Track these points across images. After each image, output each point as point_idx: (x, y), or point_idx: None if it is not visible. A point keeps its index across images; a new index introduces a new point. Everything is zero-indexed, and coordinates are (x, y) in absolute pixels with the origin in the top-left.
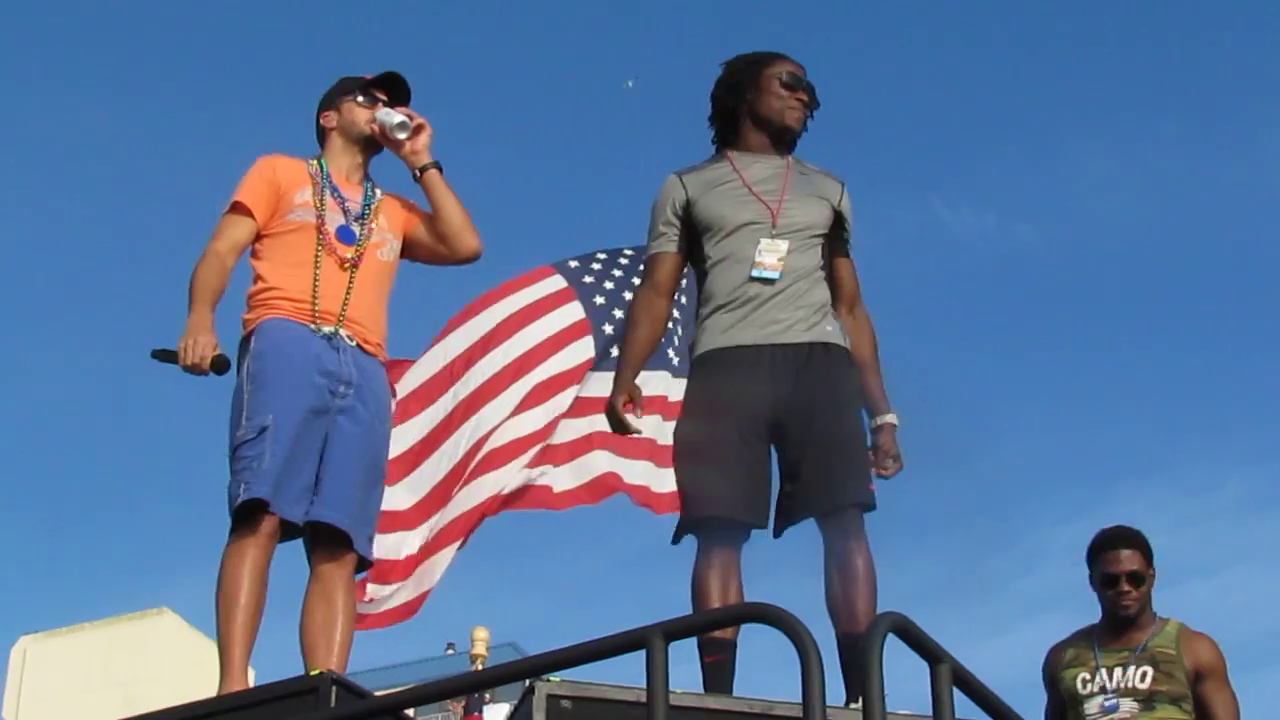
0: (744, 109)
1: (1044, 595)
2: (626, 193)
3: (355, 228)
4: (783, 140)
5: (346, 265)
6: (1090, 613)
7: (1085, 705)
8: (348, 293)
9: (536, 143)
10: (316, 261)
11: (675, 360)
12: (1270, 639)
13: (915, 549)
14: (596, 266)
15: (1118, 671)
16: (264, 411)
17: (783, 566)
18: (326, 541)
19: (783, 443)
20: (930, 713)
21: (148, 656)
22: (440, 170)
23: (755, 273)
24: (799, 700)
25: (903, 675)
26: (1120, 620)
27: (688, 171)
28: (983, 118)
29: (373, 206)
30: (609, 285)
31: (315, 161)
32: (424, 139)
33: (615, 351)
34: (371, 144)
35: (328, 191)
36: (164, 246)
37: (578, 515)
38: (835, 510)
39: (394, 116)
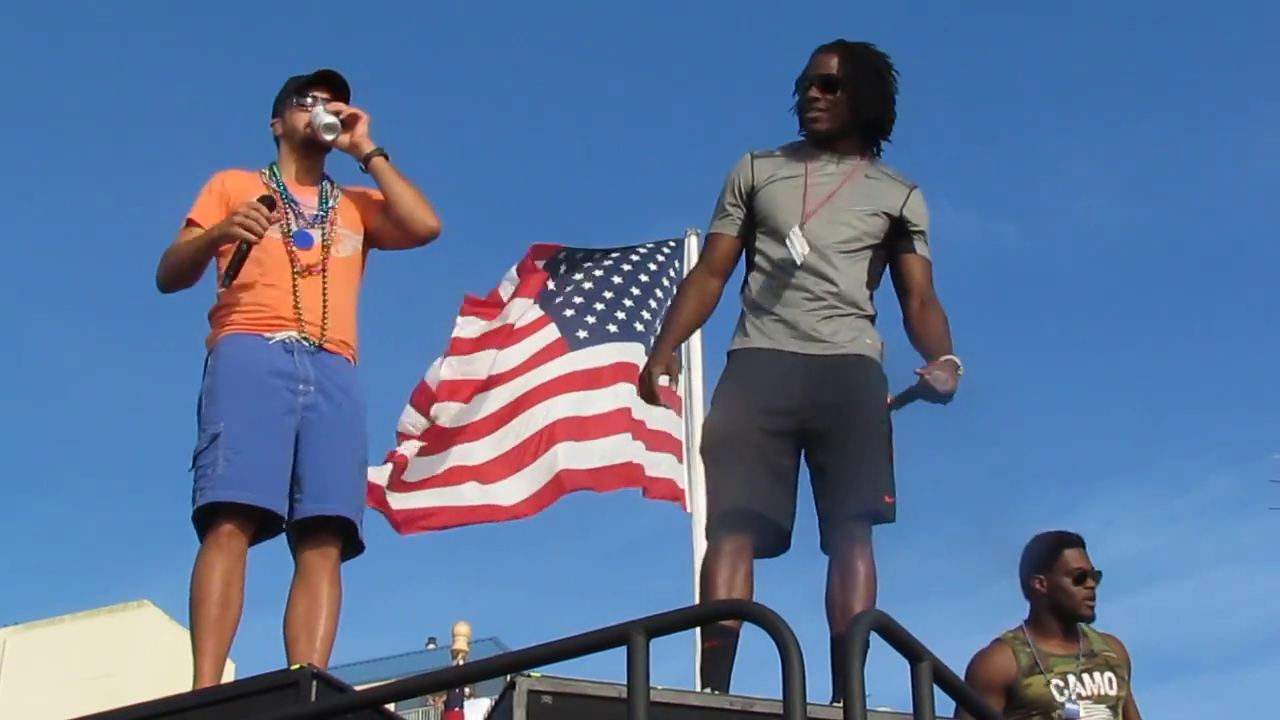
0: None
1: (1017, 596)
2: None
3: (312, 232)
4: (824, 143)
5: (304, 271)
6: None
7: (1059, 714)
8: (305, 297)
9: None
10: (279, 274)
11: (585, 336)
12: (1247, 638)
13: (903, 543)
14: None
15: (1085, 678)
16: (216, 420)
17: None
18: (313, 535)
19: (810, 450)
20: (910, 710)
21: (128, 649)
22: (386, 156)
23: (788, 255)
24: (779, 698)
25: (885, 673)
26: (1073, 621)
27: (762, 155)
28: (963, 118)
29: (330, 207)
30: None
31: (268, 170)
32: (361, 129)
33: (612, 328)
34: (317, 145)
35: (289, 203)
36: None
37: (559, 510)
38: (852, 518)
39: (322, 117)
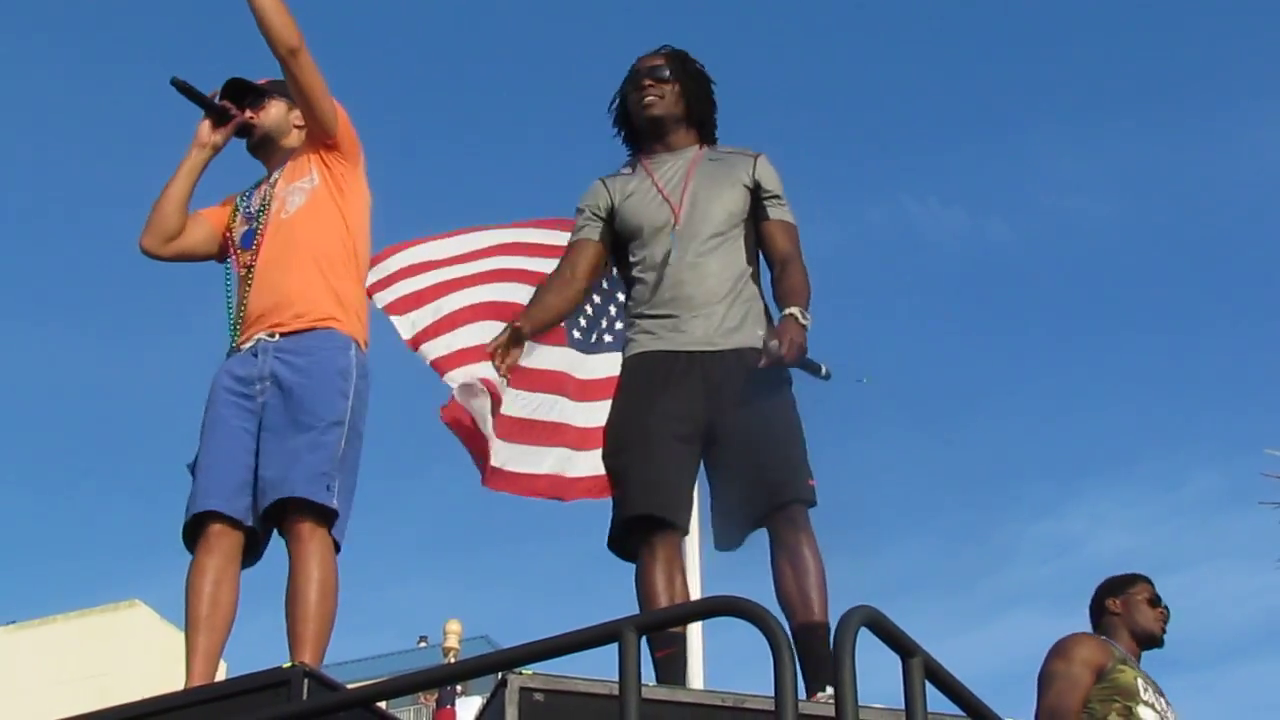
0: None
1: (1014, 592)
2: None
3: (252, 225)
4: (659, 133)
5: (249, 270)
6: (1062, 610)
7: (1139, 708)
8: (256, 296)
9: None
10: (235, 282)
11: (578, 336)
12: (1237, 634)
13: (892, 541)
14: None
15: (1158, 699)
16: (195, 453)
17: (722, 562)
18: (285, 522)
19: (716, 449)
20: (901, 706)
21: (120, 649)
22: None
23: (668, 274)
24: (768, 694)
25: (869, 669)
26: (1144, 642)
27: (611, 176)
28: (951, 117)
29: (272, 183)
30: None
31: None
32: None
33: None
34: (263, 144)
35: (239, 213)
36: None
37: (549, 510)
38: (780, 507)
39: None
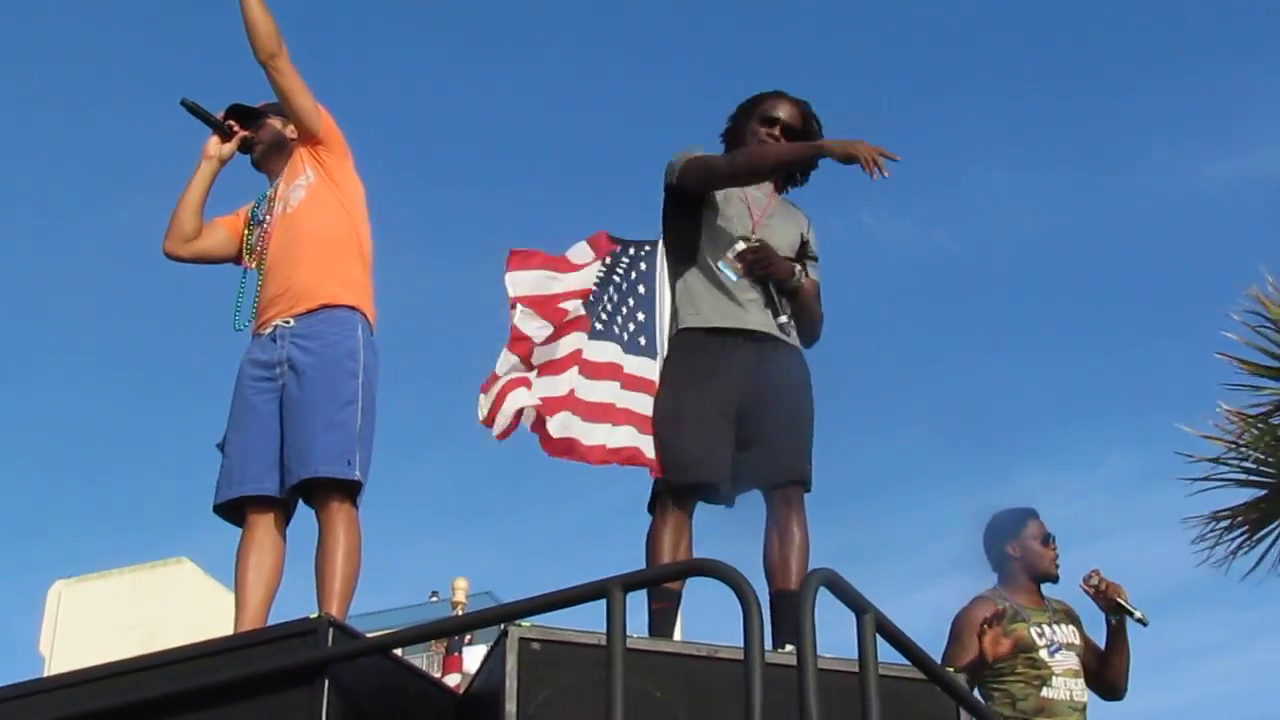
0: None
1: (947, 560)
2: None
3: (264, 222)
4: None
5: (260, 265)
6: (983, 582)
7: (1039, 653)
8: (268, 286)
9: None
10: (250, 286)
11: (625, 338)
12: (1149, 597)
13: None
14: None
15: (1057, 627)
16: (224, 434)
17: (732, 529)
18: (313, 496)
19: (743, 419)
20: (855, 657)
21: (167, 601)
22: None
23: (724, 266)
24: (740, 645)
25: (831, 625)
26: (1041, 581)
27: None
28: (903, 141)
29: (275, 184)
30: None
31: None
32: None
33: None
34: (264, 158)
35: (252, 220)
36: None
37: (549, 476)
38: (781, 484)
39: None
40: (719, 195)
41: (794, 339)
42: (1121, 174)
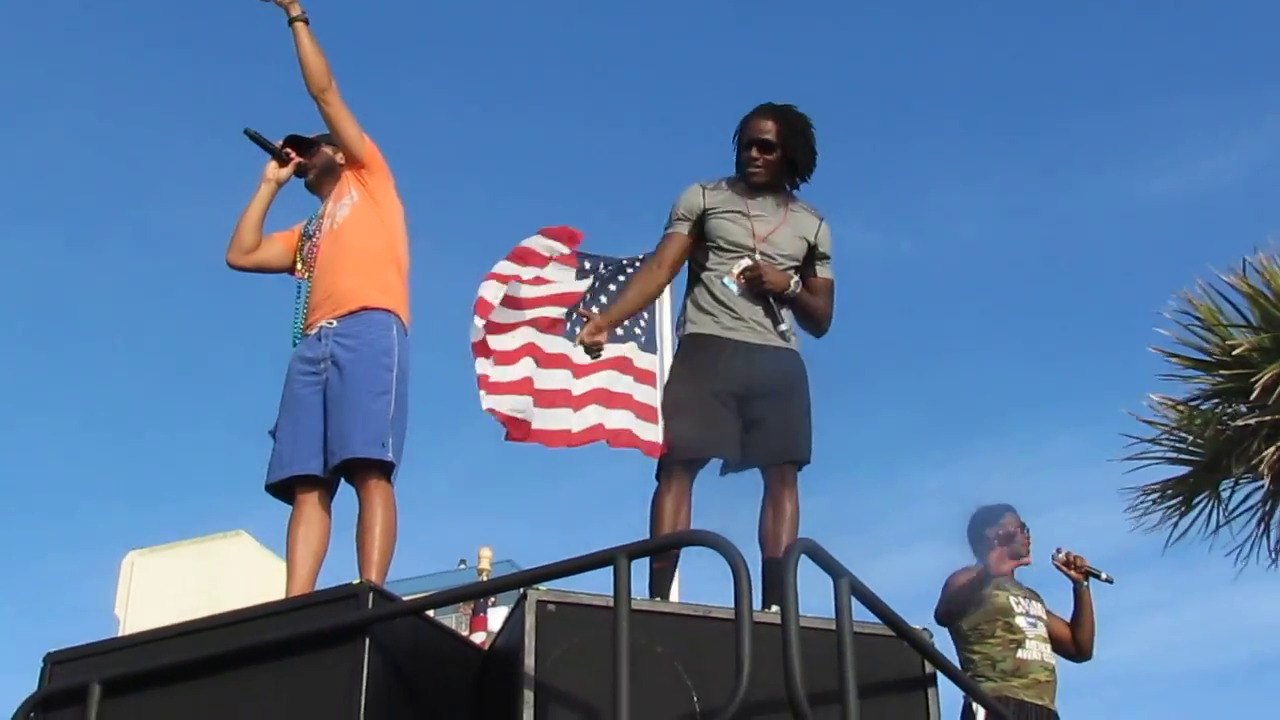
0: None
1: (916, 530)
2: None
3: (315, 238)
4: (760, 189)
5: (310, 274)
6: (952, 548)
7: (1016, 619)
8: (315, 293)
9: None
10: (303, 295)
11: (643, 338)
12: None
13: (829, 484)
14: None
15: (1029, 603)
16: (275, 422)
17: (732, 502)
18: (353, 475)
19: (747, 409)
20: (833, 618)
21: (227, 570)
22: (306, 22)
23: (728, 282)
24: (730, 606)
25: (813, 590)
26: (1016, 561)
27: (711, 186)
28: (871, 156)
29: (324, 209)
30: (605, 274)
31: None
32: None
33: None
34: (317, 181)
35: (305, 235)
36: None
37: (564, 457)
38: (777, 463)
39: None
40: (721, 215)
41: (794, 343)
42: (1064, 190)
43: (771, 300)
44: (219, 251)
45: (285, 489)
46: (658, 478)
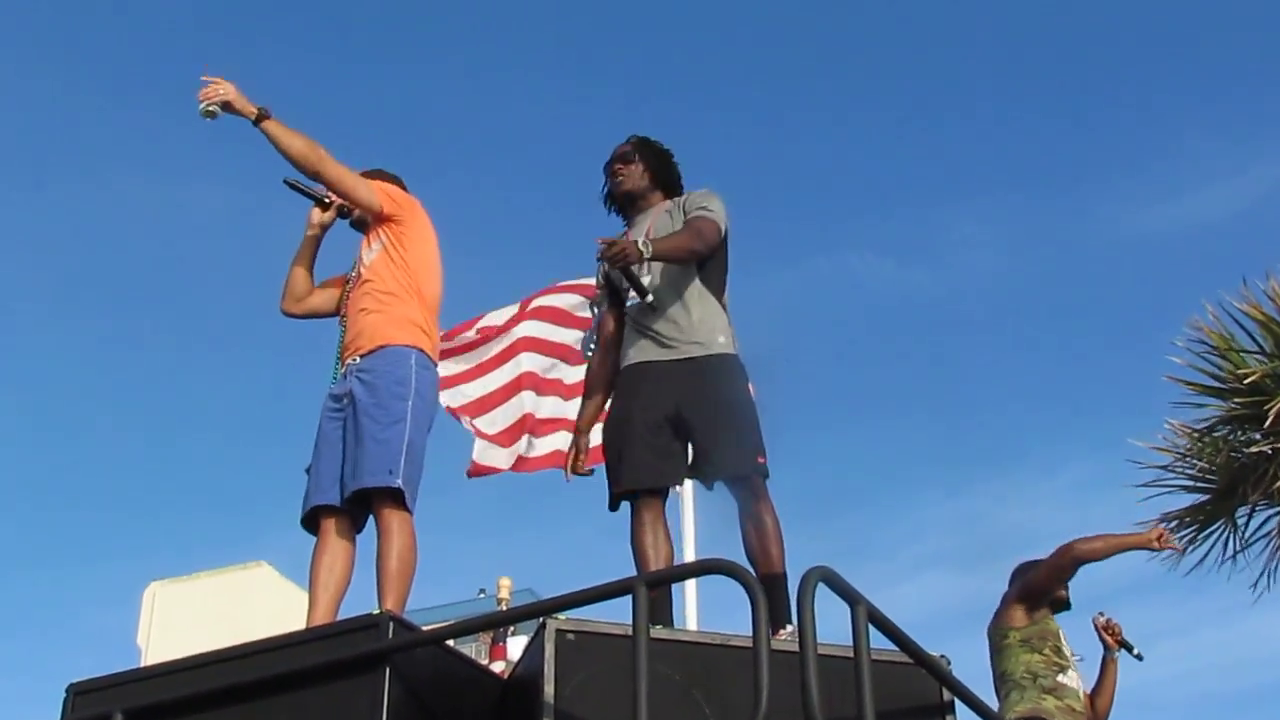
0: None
1: (926, 558)
2: None
3: (349, 286)
4: (633, 201)
5: (344, 317)
6: (959, 578)
7: (1064, 645)
8: (348, 333)
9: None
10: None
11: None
12: (1102, 586)
13: (840, 514)
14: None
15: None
16: (309, 460)
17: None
18: (372, 505)
19: (689, 432)
20: (844, 643)
21: (249, 600)
22: (269, 117)
23: (631, 301)
24: (747, 633)
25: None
26: (1060, 608)
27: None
28: (884, 188)
29: (360, 250)
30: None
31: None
32: (234, 99)
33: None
34: (359, 220)
35: (348, 284)
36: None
37: (585, 489)
38: (741, 478)
39: (203, 108)
40: (612, 270)
41: (719, 347)
42: (1077, 219)
43: (633, 270)
44: (255, 294)
45: (312, 522)
46: (611, 508)
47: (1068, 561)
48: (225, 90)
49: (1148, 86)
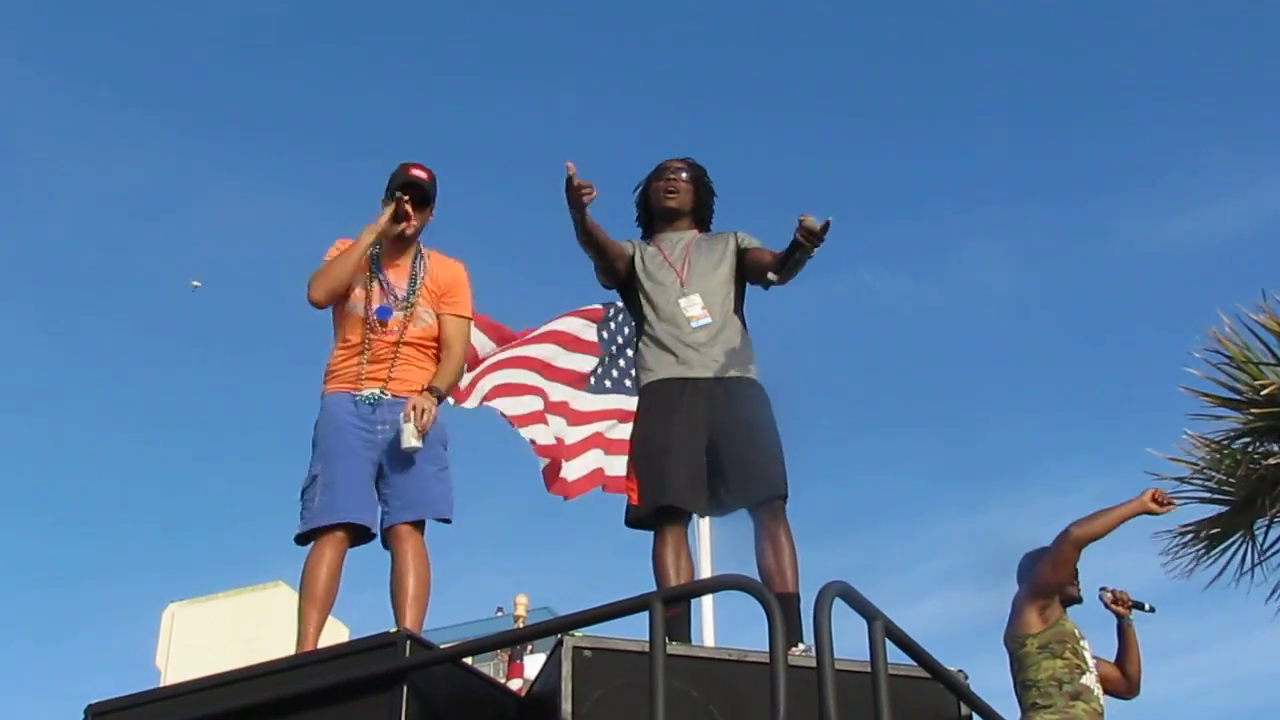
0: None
1: (942, 575)
2: None
3: (394, 309)
4: (671, 219)
5: (381, 340)
6: (975, 594)
7: (1081, 647)
8: (389, 362)
9: None
10: (365, 342)
11: (627, 384)
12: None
13: (857, 530)
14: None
15: (1088, 642)
16: (316, 464)
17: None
18: (396, 528)
19: (716, 452)
20: (865, 659)
21: (267, 620)
22: (436, 390)
23: (694, 324)
24: (763, 649)
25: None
26: (1071, 603)
27: (640, 242)
28: (898, 203)
29: (415, 290)
30: (616, 329)
31: (373, 247)
32: (427, 420)
33: (607, 381)
34: (405, 239)
35: (376, 280)
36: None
37: (594, 504)
38: (764, 501)
39: (407, 437)
40: (647, 262)
41: (753, 372)
42: (1090, 233)
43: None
44: (270, 315)
45: (312, 534)
46: (629, 524)
47: (1069, 547)
48: (430, 415)
49: (1163, 101)
